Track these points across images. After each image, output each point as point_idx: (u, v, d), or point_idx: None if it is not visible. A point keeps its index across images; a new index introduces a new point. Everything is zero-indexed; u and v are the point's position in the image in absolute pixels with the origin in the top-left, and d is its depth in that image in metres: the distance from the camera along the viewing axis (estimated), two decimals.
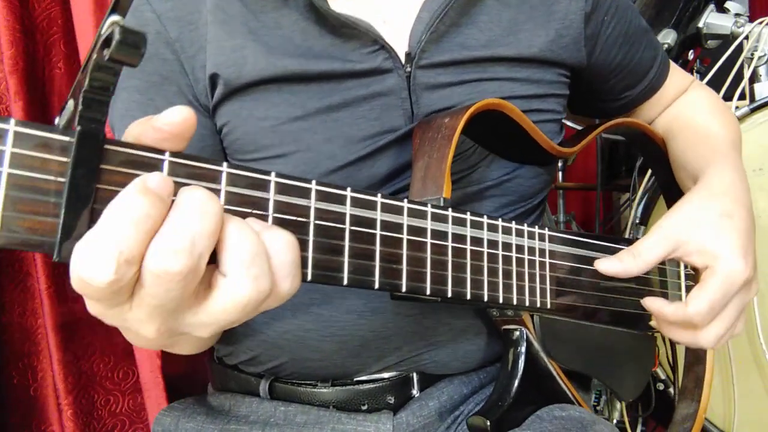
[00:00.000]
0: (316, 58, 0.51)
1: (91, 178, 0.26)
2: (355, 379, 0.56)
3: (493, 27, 0.56)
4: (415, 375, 0.57)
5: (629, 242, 0.60)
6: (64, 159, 0.25)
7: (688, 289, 0.62)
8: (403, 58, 0.53)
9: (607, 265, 0.52)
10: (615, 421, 0.96)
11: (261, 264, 0.29)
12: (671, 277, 0.63)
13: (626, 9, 0.64)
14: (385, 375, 0.57)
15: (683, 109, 0.70)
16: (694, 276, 0.62)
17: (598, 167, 1.07)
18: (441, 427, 0.58)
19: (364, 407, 0.56)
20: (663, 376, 0.91)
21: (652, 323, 0.57)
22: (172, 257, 0.26)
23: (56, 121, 0.27)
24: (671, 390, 0.89)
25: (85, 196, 0.25)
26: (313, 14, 0.52)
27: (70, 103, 0.26)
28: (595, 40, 0.61)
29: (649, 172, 0.97)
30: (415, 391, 0.57)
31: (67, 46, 0.88)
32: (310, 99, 0.51)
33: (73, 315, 0.88)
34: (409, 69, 0.53)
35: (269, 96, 0.51)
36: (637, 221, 0.97)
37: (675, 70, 0.70)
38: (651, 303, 0.53)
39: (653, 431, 0.98)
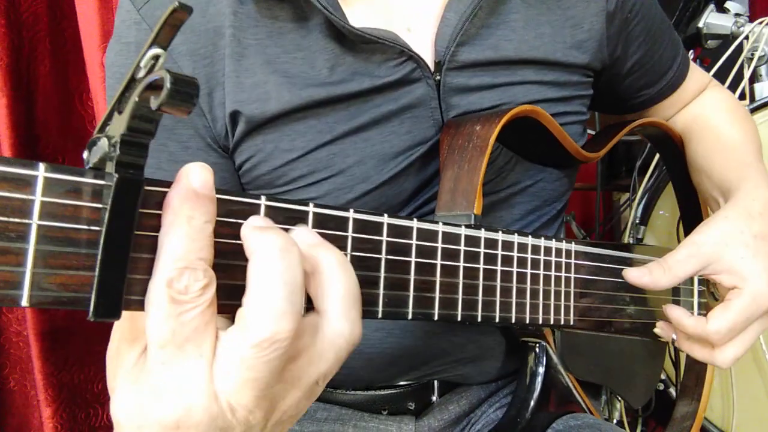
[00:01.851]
0: (341, 81, 0.48)
1: (129, 227, 0.23)
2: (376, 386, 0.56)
3: (524, 26, 0.53)
4: (435, 382, 0.57)
5: (647, 249, 0.60)
6: (98, 205, 0.23)
7: (701, 294, 0.62)
8: (431, 66, 0.50)
9: (635, 275, 0.50)
10: (615, 421, 0.97)
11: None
12: (684, 283, 0.63)
13: (650, 6, 0.61)
14: (406, 381, 0.56)
15: (702, 110, 0.68)
16: (707, 284, 0.62)
17: (598, 167, 1.07)
18: (456, 429, 0.58)
19: (385, 412, 0.56)
20: (663, 376, 0.92)
21: (657, 330, 0.56)
22: (277, 323, 0.24)
23: (84, 156, 0.24)
24: (671, 390, 0.91)
25: (123, 246, 0.23)
26: (334, 32, 0.48)
27: (103, 140, 0.23)
28: (618, 38, 0.59)
29: (649, 172, 0.97)
30: (434, 397, 0.57)
31: (53, 43, 0.85)
32: (338, 122, 0.48)
33: (54, 323, 0.86)
34: (438, 77, 0.50)
35: (294, 126, 0.48)
36: (637, 221, 0.97)
37: (694, 70, 0.69)
38: (672, 311, 0.52)
39: (653, 431, 1.00)
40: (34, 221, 0.21)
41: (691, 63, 0.69)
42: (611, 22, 0.57)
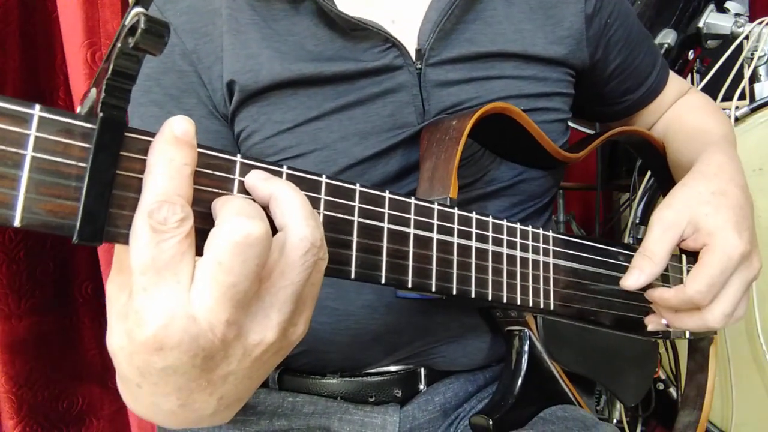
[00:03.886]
0: (330, 61, 0.52)
1: (111, 164, 0.26)
2: (363, 371, 0.57)
3: (502, 21, 0.57)
4: (422, 370, 0.58)
5: (629, 246, 0.61)
6: (86, 145, 0.26)
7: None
8: (413, 55, 0.54)
9: (632, 280, 0.50)
10: (615, 421, 0.96)
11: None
12: (673, 272, 0.63)
13: (628, 14, 0.65)
14: (393, 368, 0.58)
15: (677, 111, 0.71)
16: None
17: (598, 167, 1.08)
18: (444, 424, 0.59)
19: (372, 399, 0.57)
20: (663, 376, 0.91)
21: (650, 327, 0.56)
22: (249, 222, 0.27)
23: (78, 109, 0.28)
24: (671, 390, 0.90)
25: (106, 181, 0.26)
26: (324, 19, 0.53)
27: (93, 91, 0.26)
28: (598, 41, 0.62)
29: (650, 172, 0.98)
30: (422, 386, 0.58)
31: (23, 38, 0.85)
32: (326, 100, 0.53)
33: (16, 335, 0.82)
34: (419, 66, 0.54)
35: (285, 100, 0.52)
36: (637, 221, 0.98)
37: (674, 78, 0.72)
38: (652, 293, 0.53)
39: (653, 431, 0.99)
40: (29, 152, 0.25)
41: (671, 72, 0.72)
42: (590, 24, 0.61)
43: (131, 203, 0.28)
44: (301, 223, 0.30)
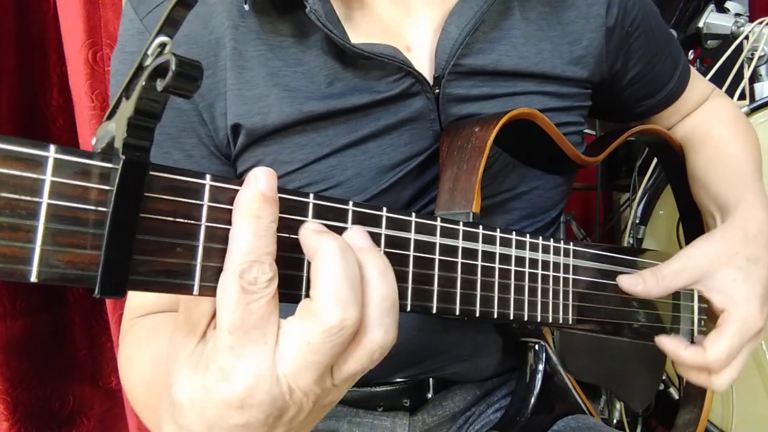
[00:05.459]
0: (341, 95, 0.49)
1: (135, 209, 0.24)
2: (370, 383, 0.57)
3: (525, 43, 0.54)
4: (431, 379, 0.58)
5: (648, 254, 0.60)
6: (106, 187, 0.24)
7: (701, 313, 0.62)
8: (431, 80, 0.51)
9: (628, 282, 0.51)
10: (615, 422, 0.97)
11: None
12: (684, 300, 0.62)
13: (651, 18, 0.62)
14: (401, 379, 0.57)
15: (702, 121, 0.69)
16: (707, 308, 0.60)
17: (598, 167, 1.08)
18: (453, 427, 0.59)
19: (380, 408, 0.57)
20: (663, 376, 0.92)
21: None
22: (344, 312, 0.26)
23: (93, 142, 0.25)
24: (672, 390, 0.91)
25: (129, 227, 0.24)
26: (333, 48, 0.48)
27: (111, 126, 0.24)
28: (618, 53, 0.60)
29: (649, 172, 0.98)
30: (430, 395, 0.58)
31: (18, 37, 0.82)
32: (338, 135, 0.49)
33: (11, 336, 0.82)
34: (437, 90, 0.50)
35: (294, 138, 0.49)
36: (637, 221, 0.98)
37: (697, 79, 0.69)
38: (667, 343, 0.53)
39: (653, 431, 1.00)
40: (44, 200, 0.22)
41: (694, 72, 0.69)
42: (611, 37, 0.58)
43: (153, 247, 0.26)
44: (376, 323, 0.29)
